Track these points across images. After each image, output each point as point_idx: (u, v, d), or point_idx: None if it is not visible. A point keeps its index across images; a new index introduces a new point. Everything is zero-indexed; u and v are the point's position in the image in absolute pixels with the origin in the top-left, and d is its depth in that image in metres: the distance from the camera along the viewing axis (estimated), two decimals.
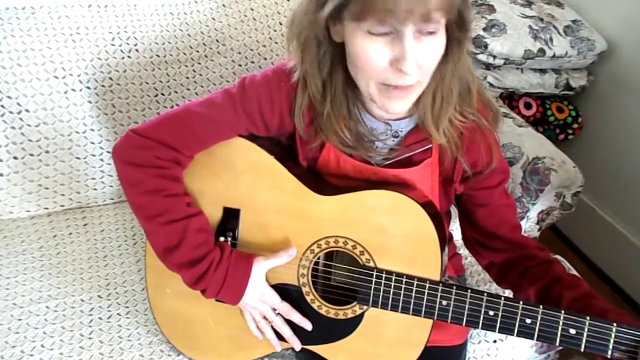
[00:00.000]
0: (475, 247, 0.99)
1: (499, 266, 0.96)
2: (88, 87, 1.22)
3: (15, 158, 1.19)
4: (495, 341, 1.09)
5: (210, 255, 0.85)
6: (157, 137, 0.85)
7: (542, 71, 1.74)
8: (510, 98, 1.81)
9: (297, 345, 0.92)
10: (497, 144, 0.90)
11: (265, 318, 0.91)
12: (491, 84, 1.69)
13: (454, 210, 1.09)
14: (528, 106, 1.81)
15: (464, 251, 1.18)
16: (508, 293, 1.02)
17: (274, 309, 0.90)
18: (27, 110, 1.17)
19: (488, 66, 1.68)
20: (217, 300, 0.92)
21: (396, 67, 0.72)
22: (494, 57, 1.63)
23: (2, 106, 1.16)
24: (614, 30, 1.75)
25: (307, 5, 0.77)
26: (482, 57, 1.64)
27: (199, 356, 0.98)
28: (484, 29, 1.62)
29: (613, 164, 1.85)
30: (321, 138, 0.87)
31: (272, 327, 0.92)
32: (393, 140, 0.88)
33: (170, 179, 0.86)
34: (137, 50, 1.26)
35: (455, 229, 1.10)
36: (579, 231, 2.00)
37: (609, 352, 0.77)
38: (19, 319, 1.01)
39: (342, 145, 0.86)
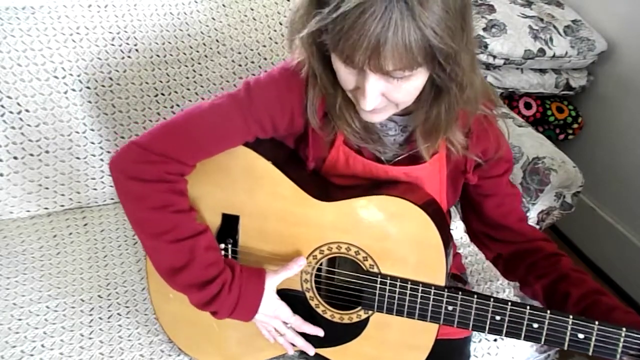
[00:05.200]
0: (482, 239, 0.98)
1: (505, 258, 0.96)
2: (88, 87, 1.22)
3: (15, 158, 1.19)
4: (495, 340, 1.10)
5: (222, 276, 0.81)
6: (163, 151, 0.80)
7: (542, 71, 1.74)
8: (510, 98, 1.81)
9: (311, 351, 0.91)
10: (502, 133, 0.90)
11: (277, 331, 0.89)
12: (491, 84, 1.69)
13: (453, 210, 1.09)
14: (528, 106, 1.81)
15: (463, 250, 1.18)
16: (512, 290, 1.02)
17: (286, 323, 0.88)
18: (27, 110, 1.17)
19: (488, 66, 1.68)
20: None
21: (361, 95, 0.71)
22: (494, 57, 1.63)
23: (2, 106, 1.16)
24: (614, 30, 1.75)
25: (300, 10, 0.74)
26: (482, 57, 1.64)
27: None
28: (484, 29, 1.63)
29: (613, 164, 1.85)
30: (334, 130, 0.84)
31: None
32: (402, 135, 0.87)
33: (178, 193, 0.82)
34: (137, 50, 1.26)
35: (455, 228, 1.10)
36: (579, 231, 2.00)
37: (618, 357, 0.76)
38: (19, 319, 1.01)
39: (353, 136, 0.83)
